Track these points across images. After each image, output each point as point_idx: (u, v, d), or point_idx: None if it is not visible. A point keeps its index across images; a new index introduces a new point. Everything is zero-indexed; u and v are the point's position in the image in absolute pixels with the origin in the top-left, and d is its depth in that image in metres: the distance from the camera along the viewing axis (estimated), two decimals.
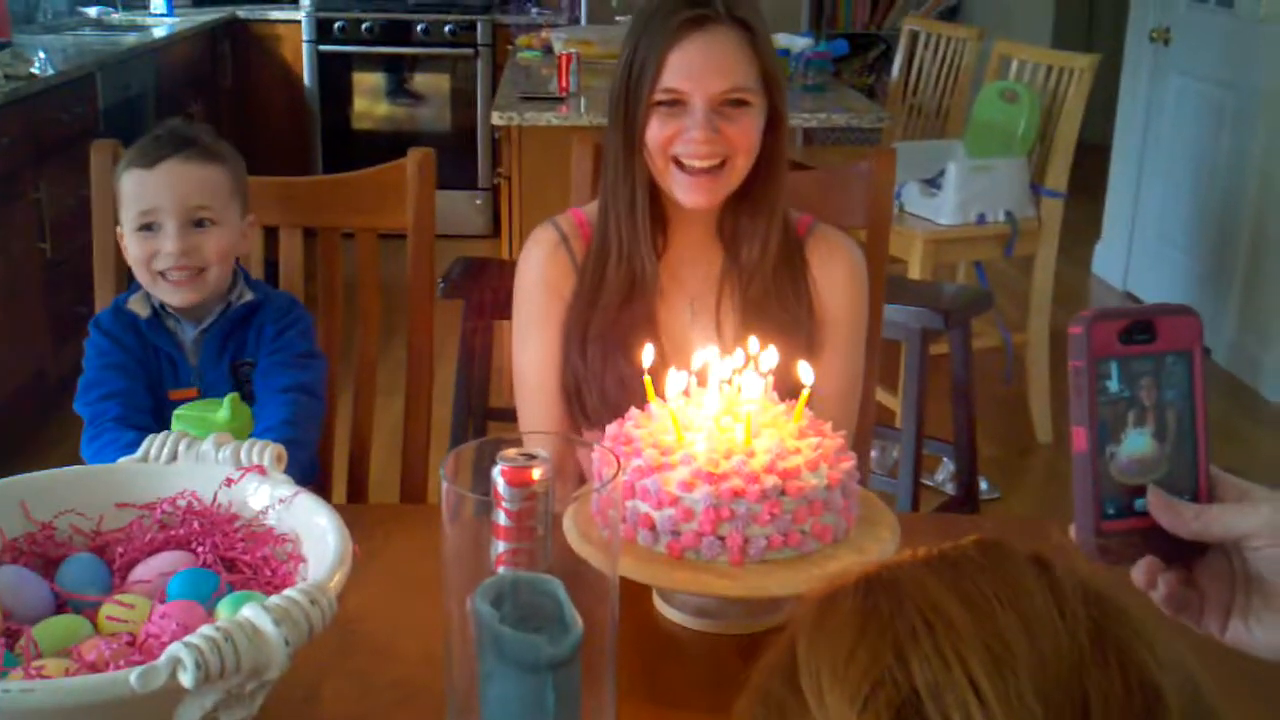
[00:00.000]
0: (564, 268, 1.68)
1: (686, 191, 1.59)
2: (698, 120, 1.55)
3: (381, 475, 2.04)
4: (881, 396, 3.48)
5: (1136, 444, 0.85)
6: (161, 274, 1.71)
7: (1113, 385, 0.84)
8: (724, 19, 1.56)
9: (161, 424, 1.62)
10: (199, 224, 1.71)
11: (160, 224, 1.70)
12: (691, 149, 1.56)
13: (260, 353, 1.77)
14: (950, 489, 3.42)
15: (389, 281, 1.88)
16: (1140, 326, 0.84)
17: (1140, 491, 0.86)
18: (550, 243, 1.69)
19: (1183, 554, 0.87)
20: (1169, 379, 0.85)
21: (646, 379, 1.32)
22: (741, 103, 1.57)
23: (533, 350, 1.69)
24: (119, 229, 1.77)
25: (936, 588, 0.57)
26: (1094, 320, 0.83)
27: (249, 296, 1.78)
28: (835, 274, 1.68)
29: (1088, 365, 0.83)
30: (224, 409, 1.39)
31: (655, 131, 1.58)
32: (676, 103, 1.56)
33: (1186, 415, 0.86)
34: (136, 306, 1.77)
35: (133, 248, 1.72)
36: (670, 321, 1.67)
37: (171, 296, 1.73)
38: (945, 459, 3.48)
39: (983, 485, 3.39)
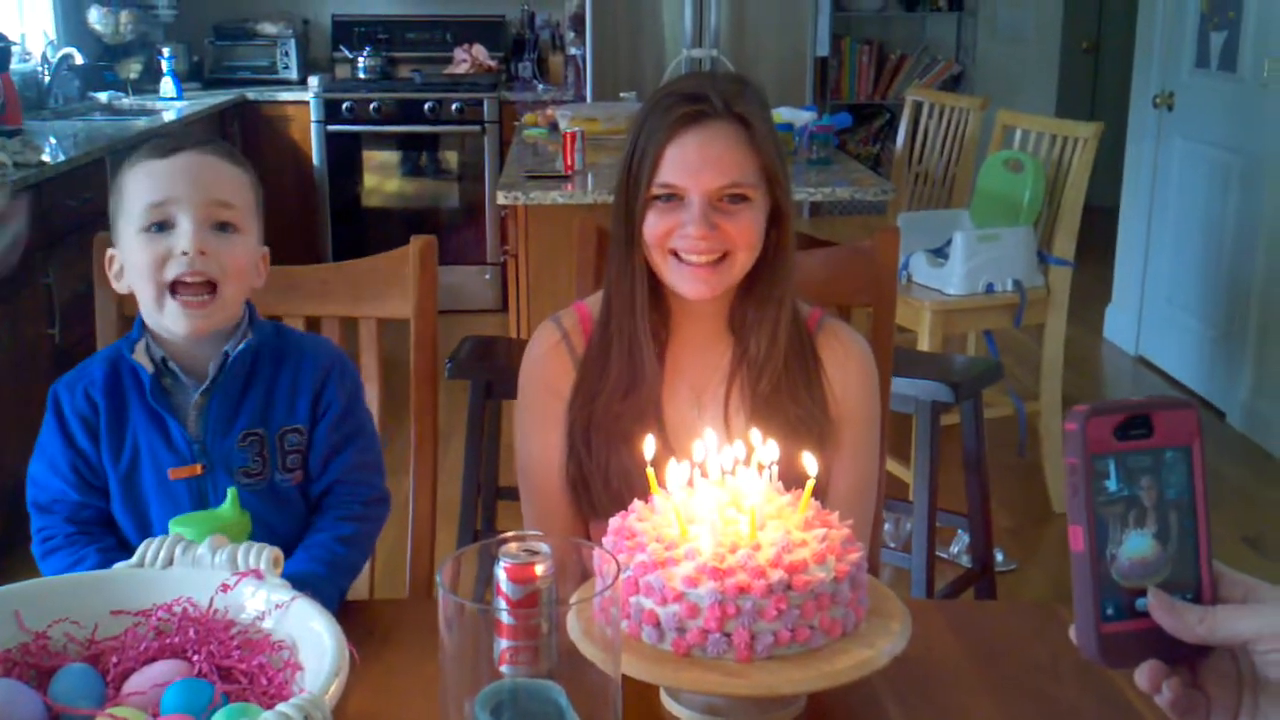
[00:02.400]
0: (564, 366, 1.68)
1: (687, 282, 1.58)
2: (694, 216, 1.54)
3: (390, 557, 2.02)
4: (893, 468, 3.45)
5: (1138, 546, 0.83)
6: (172, 289, 1.44)
7: (1111, 484, 0.82)
8: (722, 114, 1.55)
9: (127, 527, 1.51)
10: (221, 228, 1.45)
11: (174, 220, 1.43)
12: (688, 244, 1.55)
13: (320, 430, 1.54)
14: (965, 561, 3.38)
15: (397, 358, 1.87)
16: (1137, 421, 0.82)
17: (1142, 591, 0.83)
18: (550, 342, 1.69)
19: (1187, 655, 0.85)
20: (1169, 476, 0.83)
21: (649, 471, 1.31)
22: (740, 198, 1.55)
23: (533, 449, 1.69)
24: (110, 252, 1.51)
25: None
26: (1089, 416, 0.81)
27: (251, 338, 1.51)
28: (849, 373, 1.67)
29: (1084, 463, 0.81)
30: (229, 505, 1.32)
31: (652, 225, 1.57)
32: (673, 198, 1.56)
33: (1188, 513, 0.84)
34: (142, 358, 1.48)
35: (137, 253, 1.43)
36: (675, 415, 1.65)
37: (179, 323, 1.44)
38: (960, 530, 3.45)
39: (998, 557, 3.35)
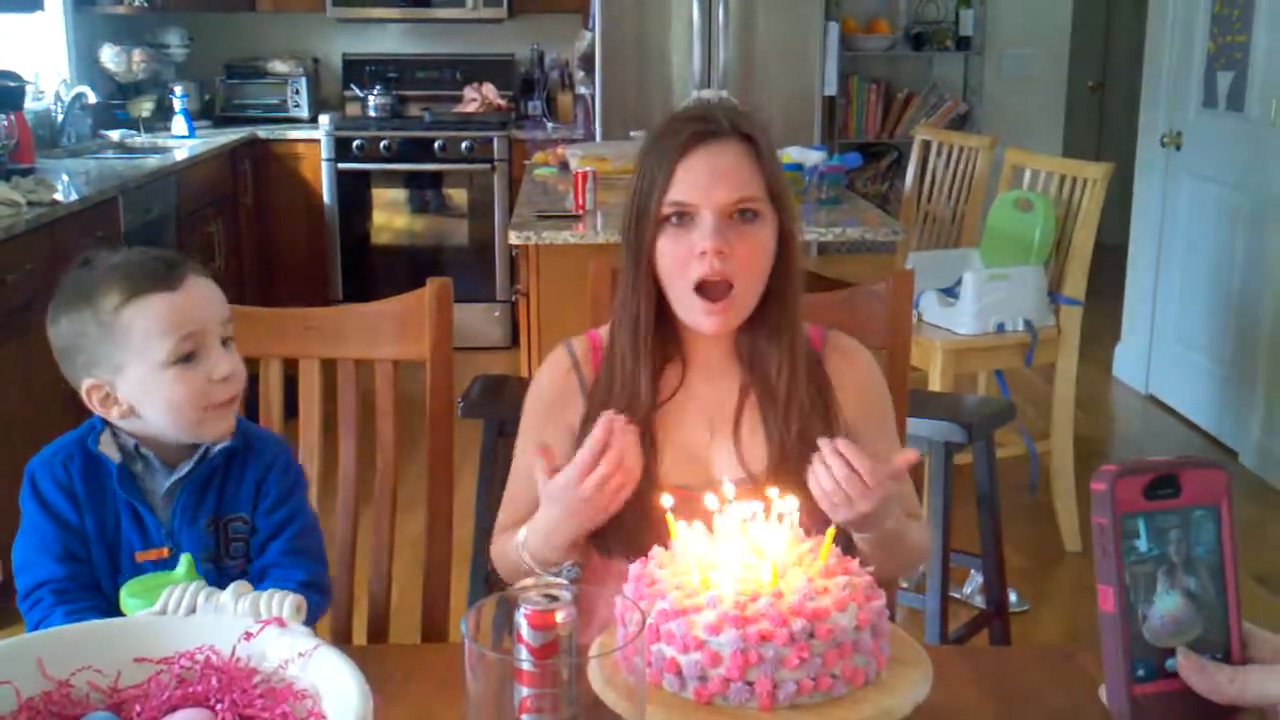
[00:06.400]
0: (571, 394, 1.70)
1: (703, 316, 1.58)
2: (707, 231, 1.55)
3: (403, 598, 2.02)
4: None
5: (1169, 604, 0.83)
6: (205, 408, 1.50)
7: (1141, 544, 0.82)
8: (729, 133, 1.58)
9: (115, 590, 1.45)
10: (225, 344, 1.53)
11: (204, 349, 1.49)
12: (704, 265, 1.55)
13: (258, 516, 1.58)
14: (979, 601, 3.37)
15: (409, 394, 1.87)
16: (1165, 481, 0.82)
17: (1172, 652, 0.83)
18: (561, 367, 1.72)
19: (1217, 715, 0.85)
20: (1198, 535, 0.83)
21: (669, 518, 1.31)
22: (751, 215, 1.57)
23: (517, 468, 1.73)
24: (90, 384, 1.50)
25: None
26: (1117, 476, 0.82)
27: (236, 438, 1.57)
28: (859, 381, 1.69)
29: (1112, 522, 0.81)
30: (183, 570, 1.29)
31: (667, 249, 1.58)
32: (685, 215, 1.57)
33: (1217, 572, 0.84)
34: (109, 450, 1.53)
35: (170, 388, 1.47)
36: (688, 438, 1.65)
37: (217, 428, 1.52)
38: (973, 570, 3.44)
39: (1012, 597, 3.34)
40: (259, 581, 1.55)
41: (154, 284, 1.47)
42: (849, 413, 1.67)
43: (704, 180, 1.56)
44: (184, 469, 1.53)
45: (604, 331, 1.72)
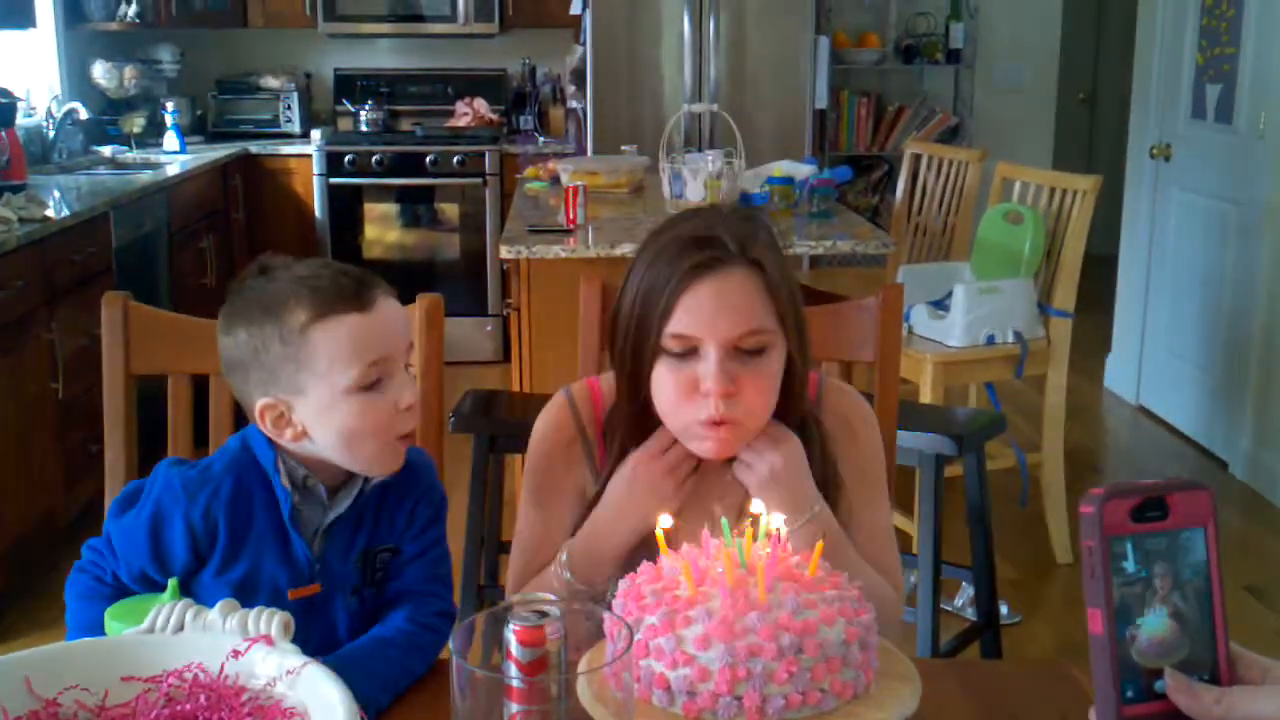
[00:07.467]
0: (574, 446, 1.62)
1: (703, 443, 1.50)
2: (711, 369, 1.43)
3: None
4: (898, 521, 3.44)
5: (1156, 625, 0.84)
6: (384, 442, 1.41)
7: (1129, 565, 0.83)
8: (736, 259, 1.45)
9: None
10: (407, 369, 1.44)
11: (389, 376, 1.39)
12: (710, 405, 1.44)
13: (405, 542, 1.49)
14: (970, 614, 3.37)
15: None
16: (1153, 503, 0.83)
17: (1160, 673, 0.84)
18: (561, 418, 1.63)
19: None
20: (1185, 556, 0.84)
21: (659, 534, 1.31)
22: (758, 351, 1.46)
23: (526, 523, 1.63)
24: (266, 402, 1.40)
25: None
26: (1105, 499, 0.83)
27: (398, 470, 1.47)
28: (856, 435, 1.63)
29: (1100, 544, 0.82)
30: (169, 595, 1.26)
31: (667, 381, 1.47)
32: (689, 350, 1.46)
33: (1204, 593, 0.85)
34: (285, 482, 1.43)
35: (354, 415, 1.37)
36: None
37: (391, 464, 1.43)
38: (964, 583, 3.44)
39: (1003, 609, 3.34)
40: (394, 606, 1.48)
41: (345, 303, 1.37)
42: (846, 463, 1.61)
43: (708, 313, 1.44)
44: (343, 504, 1.44)
45: (604, 381, 1.64)
